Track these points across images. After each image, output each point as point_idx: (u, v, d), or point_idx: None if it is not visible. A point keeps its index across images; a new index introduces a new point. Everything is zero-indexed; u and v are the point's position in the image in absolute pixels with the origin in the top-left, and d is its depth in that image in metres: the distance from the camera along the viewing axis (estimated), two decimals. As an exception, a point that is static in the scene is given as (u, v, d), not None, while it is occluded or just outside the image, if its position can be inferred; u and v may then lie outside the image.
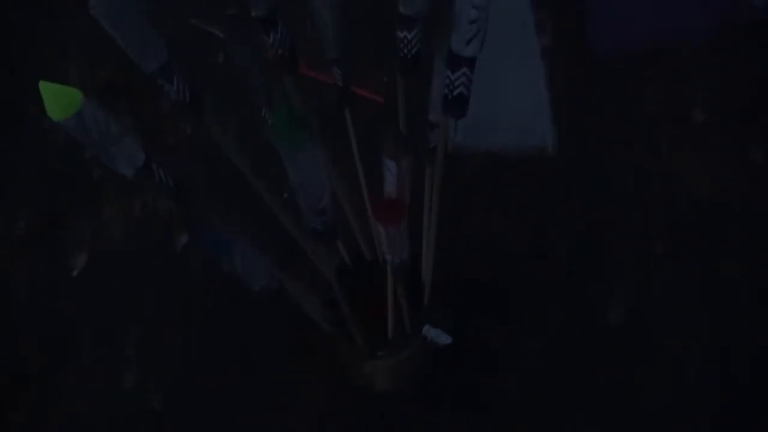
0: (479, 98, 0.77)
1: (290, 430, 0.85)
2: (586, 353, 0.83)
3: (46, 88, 0.36)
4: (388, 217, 0.40)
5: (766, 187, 0.90)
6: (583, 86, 1.05)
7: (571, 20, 1.13)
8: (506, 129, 1.03)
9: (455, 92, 0.46)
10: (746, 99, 0.99)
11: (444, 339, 0.70)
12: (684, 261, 0.87)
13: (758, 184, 0.91)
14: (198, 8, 1.44)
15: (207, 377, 0.90)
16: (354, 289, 0.57)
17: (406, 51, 0.49)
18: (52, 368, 0.97)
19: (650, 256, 0.89)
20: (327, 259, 0.54)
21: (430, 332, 0.70)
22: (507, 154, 1.00)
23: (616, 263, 0.89)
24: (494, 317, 0.85)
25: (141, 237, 1.10)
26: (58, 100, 0.36)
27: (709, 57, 1.05)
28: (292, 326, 0.84)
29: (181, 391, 0.90)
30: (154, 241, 1.08)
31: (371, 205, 0.62)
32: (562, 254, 0.90)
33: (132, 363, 0.95)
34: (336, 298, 0.55)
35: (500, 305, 0.86)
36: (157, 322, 0.98)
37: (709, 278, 0.86)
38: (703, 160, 0.95)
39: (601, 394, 0.81)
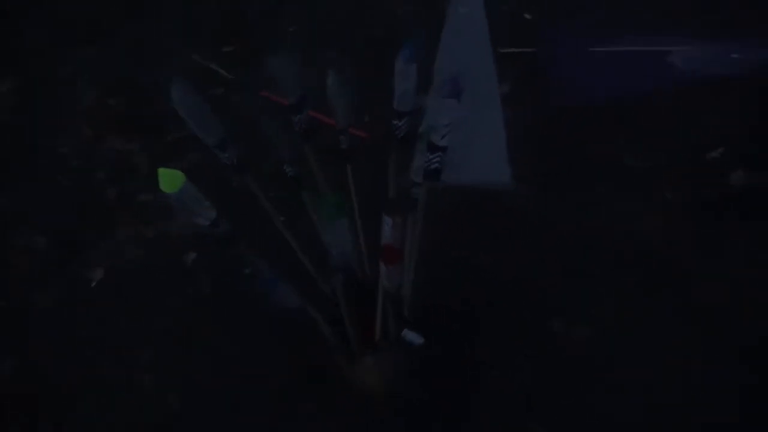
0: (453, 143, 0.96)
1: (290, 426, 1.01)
2: (530, 356, 1.02)
3: (162, 171, 0.53)
4: (389, 260, 0.59)
5: (677, 218, 1.11)
6: (537, 133, 1.25)
7: (530, 76, 1.34)
8: (472, 168, 1.22)
9: (432, 167, 0.64)
10: (665, 149, 1.21)
11: (417, 339, 0.89)
12: (623, 280, 1.06)
13: (670, 216, 1.12)
14: (198, 46, 1.61)
15: (214, 380, 1.06)
16: (353, 306, 0.75)
17: (398, 133, 0.68)
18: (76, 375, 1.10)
19: (591, 282, 1.07)
20: (341, 287, 0.70)
21: (408, 335, 0.89)
22: (473, 188, 1.19)
23: (559, 281, 1.09)
24: (461, 328, 1.04)
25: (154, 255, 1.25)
26: (169, 179, 0.53)
27: (637, 114, 1.26)
28: (299, 344, 1.01)
29: (196, 392, 1.06)
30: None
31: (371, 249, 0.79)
32: (512, 272, 1.09)
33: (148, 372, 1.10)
34: (340, 313, 0.74)
35: (467, 317, 1.05)
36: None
37: (644, 298, 1.04)
38: (628, 195, 1.16)
39: (545, 393, 1.00)
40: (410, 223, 0.73)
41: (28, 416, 1.07)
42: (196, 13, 1.70)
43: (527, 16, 1.47)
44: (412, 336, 0.92)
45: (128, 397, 1.08)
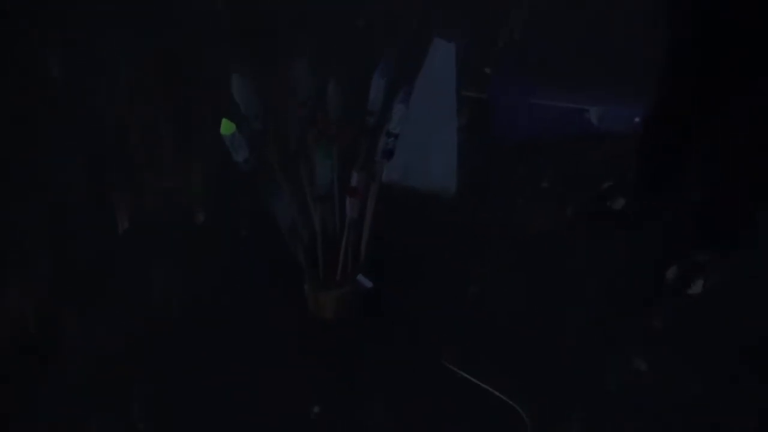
0: (410, 152, 1.33)
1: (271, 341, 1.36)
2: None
3: (224, 120, 0.89)
4: (352, 194, 0.95)
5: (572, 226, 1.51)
6: (482, 154, 1.65)
7: (482, 115, 1.73)
8: (423, 173, 1.60)
9: (388, 148, 1.01)
10: (572, 178, 1.60)
11: (367, 283, 1.25)
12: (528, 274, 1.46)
13: (574, 230, 1.51)
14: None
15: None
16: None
17: (368, 124, 1.05)
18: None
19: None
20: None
21: (361, 278, 1.25)
22: (421, 189, 1.57)
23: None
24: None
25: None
26: (227, 126, 0.89)
27: (559, 150, 1.66)
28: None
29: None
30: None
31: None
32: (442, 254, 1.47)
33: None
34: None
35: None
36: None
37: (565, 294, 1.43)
38: (545, 210, 1.55)
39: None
40: (371, 187, 1.10)
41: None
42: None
43: (487, 70, 1.87)
44: (364, 279, 1.28)
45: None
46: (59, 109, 1.78)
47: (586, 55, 1.82)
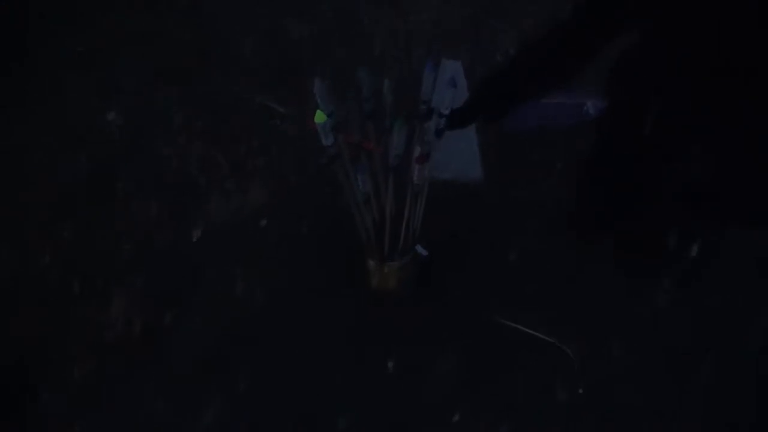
0: (439, 153, 1.56)
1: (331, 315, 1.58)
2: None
3: (318, 111, 1.14)
4: (420, 161, 1.20)
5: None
6: (495, 144, 1.91)
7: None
8: (454, 168, 1.85)
9: (440, 127, 1.27)
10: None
11: (423, 252, 1.49)
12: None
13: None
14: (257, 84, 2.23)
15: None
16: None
17: (423, 109, 1.31)
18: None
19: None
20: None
21: (418, 247, 1.48)
22: (451, 180, 1.82)
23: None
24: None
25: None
26: (319, 116, 1.15)
27: (565, 136, 1.93)
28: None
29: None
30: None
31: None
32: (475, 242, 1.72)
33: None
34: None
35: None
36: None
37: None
38: (563, 185, 1.80)
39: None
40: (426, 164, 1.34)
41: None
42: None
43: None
44: (421, 249, 1.51)
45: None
46: (128, 150, 2.05)
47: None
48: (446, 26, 2.33)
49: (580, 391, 1.49)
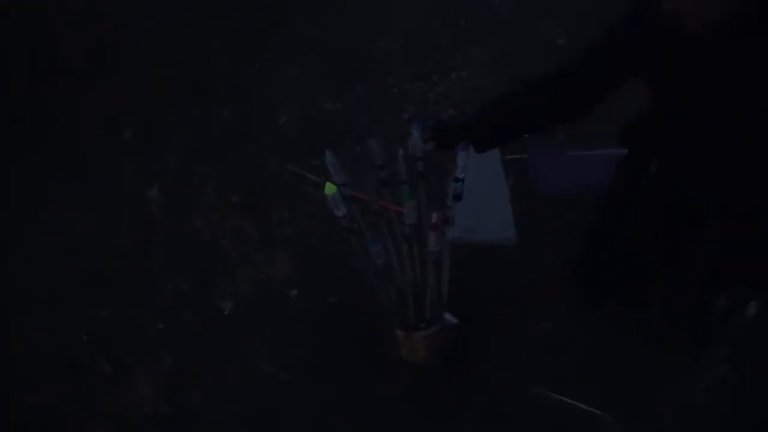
0: (469, 213, 1.51)
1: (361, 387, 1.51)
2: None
3: (328, 183, 1.12)
4: (434, 228, 1.15)
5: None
6: (530, 209, 1.84)
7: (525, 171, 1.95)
8: (488, 230, 1.79)
9: (457, 192, 1.22)
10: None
11: (453, 320, 1.41)
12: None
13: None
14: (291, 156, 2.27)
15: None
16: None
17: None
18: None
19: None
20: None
21: (446, 315, 1.41)
22: (484, 243, 1.75)
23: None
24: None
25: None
26: (330, 187, 1.13)
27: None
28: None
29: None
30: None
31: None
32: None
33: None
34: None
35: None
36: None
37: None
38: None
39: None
40: (446, 231, 1.29)
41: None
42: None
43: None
44: (449, 317, 1.44)
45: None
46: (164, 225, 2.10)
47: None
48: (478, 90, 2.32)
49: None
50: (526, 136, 1.42)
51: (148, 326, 1.79)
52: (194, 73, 2.64)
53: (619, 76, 1.22)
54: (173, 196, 2.21)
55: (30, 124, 2.48)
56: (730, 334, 1.42)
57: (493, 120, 1.35)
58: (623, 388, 1.43)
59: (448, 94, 2.34)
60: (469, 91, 2.31)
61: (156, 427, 1.57)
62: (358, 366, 1.58)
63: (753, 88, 1.06)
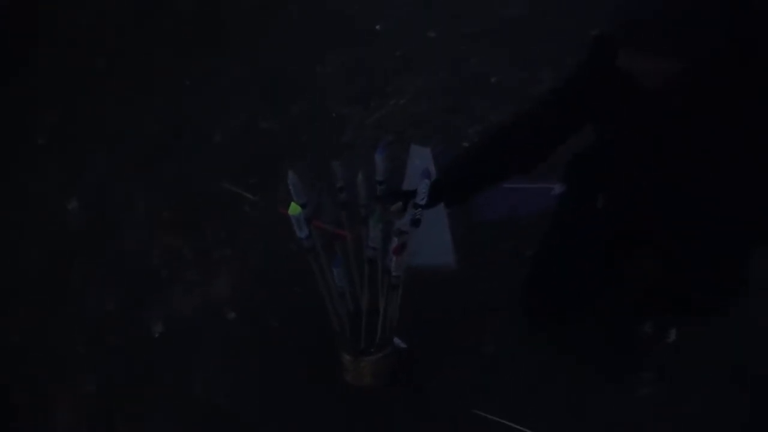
0: (413, 239, 1.52)
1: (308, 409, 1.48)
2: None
3: (292, 204, 1.11)
4: (396, 251, 1.16)
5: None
6: (468, 234, 1.90)
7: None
8: (428, 254, 1.82)
9: (416, 218, 1.24)
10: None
11: (402, 344, 1.42)
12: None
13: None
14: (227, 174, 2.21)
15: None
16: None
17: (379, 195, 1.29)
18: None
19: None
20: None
21: (396, 340, 1.42)
22: (424, 267, 1.78)
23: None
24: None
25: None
26: (294, 208, 1.11)
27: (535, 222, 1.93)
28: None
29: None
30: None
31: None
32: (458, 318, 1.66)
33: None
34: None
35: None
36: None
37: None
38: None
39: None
40: (403, 255, 1.31)
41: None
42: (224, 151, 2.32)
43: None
44: (398, 341, 1.45)
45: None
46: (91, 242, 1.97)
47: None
48: (416, 117, 2.39)
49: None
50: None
51: (68, 348, 1.66)
52: (120, 80, 2.53)
53: (576, 123, 1.29)
54: (96, 210, 2.09)
55: None
56: (654, 359, 1.54)
57: (458, 180, 1.37)
58: (559, 408, 1.49)
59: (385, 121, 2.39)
60: (407, 117, 2.37)
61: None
62: (301, 392, 1.54)
63: (705, 135, 1.14)
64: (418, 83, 2.50)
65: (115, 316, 1.76)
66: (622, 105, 1.20)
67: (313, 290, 1.40)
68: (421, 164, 2.13)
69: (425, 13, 2.77)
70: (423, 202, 1.25)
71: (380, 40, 2.69)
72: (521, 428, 1.43)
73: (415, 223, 1.27)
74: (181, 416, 1.53)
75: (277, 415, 1.51)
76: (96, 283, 1.83)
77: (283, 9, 2.84)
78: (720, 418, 1.45)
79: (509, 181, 1.45)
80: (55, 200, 2.08)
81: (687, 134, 1.16)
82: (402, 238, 1.20)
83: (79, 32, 2.70)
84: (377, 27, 2.76)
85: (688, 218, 1.23)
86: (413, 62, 2.58)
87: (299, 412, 1.51)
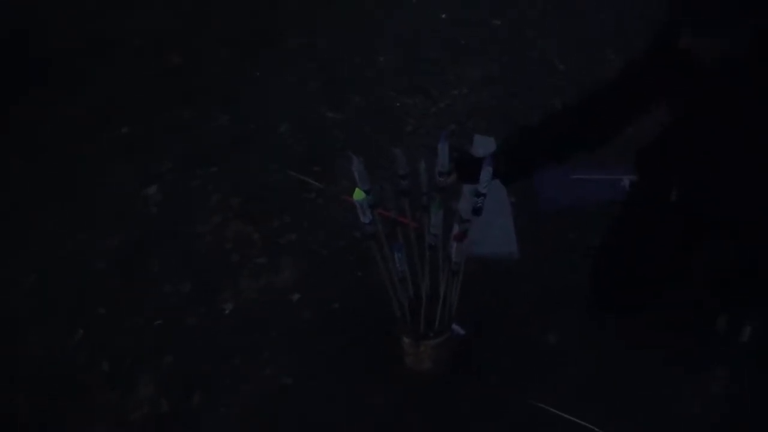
0: (476, 229, 1.54)
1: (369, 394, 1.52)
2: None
3: (357, 189, 1.15)
4: (459, 238, 1.18)
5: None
6: (533, 225, 1.89)
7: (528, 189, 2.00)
8: (491, 244, 1.83)
9: (477, 206, 1.26)
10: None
11: (460, 331, 1.44)
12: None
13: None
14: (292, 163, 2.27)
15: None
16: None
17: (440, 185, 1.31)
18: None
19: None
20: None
21: (454, 326, 1.44)
22: (488, 257, 1.79)
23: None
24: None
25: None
26: (359, 194, 1.15)
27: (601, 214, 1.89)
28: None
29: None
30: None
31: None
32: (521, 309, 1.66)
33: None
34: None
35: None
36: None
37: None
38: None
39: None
40: (464, 242, 1.32)
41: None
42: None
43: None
44: (457, 328, 1.47)
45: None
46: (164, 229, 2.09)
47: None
48: (478, 105, 2.38)
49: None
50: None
51: (146, 328, 1.77)
52: (191, 79, 2.65)
53: (642, 105, 1.28)
54: (172, 199, 2.20)
55: (22, 126, 2.46)
56: (729, 354, 1.49)
57: (519, 154, 1.40)
58: (624, 404, 1.47)
59: (448, 110, 2.39)
60: (469, 107, 2.37)
61: (157, 428, 1.55)
62: (362, 374, 1.59)
63: None
64: (480, 72, 2.50)
65: (191, 298, 1.86)
66: (689, 87, 1.18)
67: (376, 275, 1.45)
68: (485, 153, 2.13)
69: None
70: (485, 191, 1.26)
71: (442, 28, 2.70)
72: (579, 421, 1.42)
73: (477, 211, 1.29)
74: (250, 392, 1.61)
75: (338, 400, 1.56)
76: (173, 268, 1.94)
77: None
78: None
79: (569, 163, 1.45)
80: (134, 191, 2.20)
81: (757, 115, 1.13)
82: (464, 225, 1.22)
83: (152, 33, 2.84)
84: (443, 16, 2.78)
85: (764, 205, 1.19)
86: (475, 50, 2.58)
87: (359, 396, 1.55)
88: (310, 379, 1.61)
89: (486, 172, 1.22)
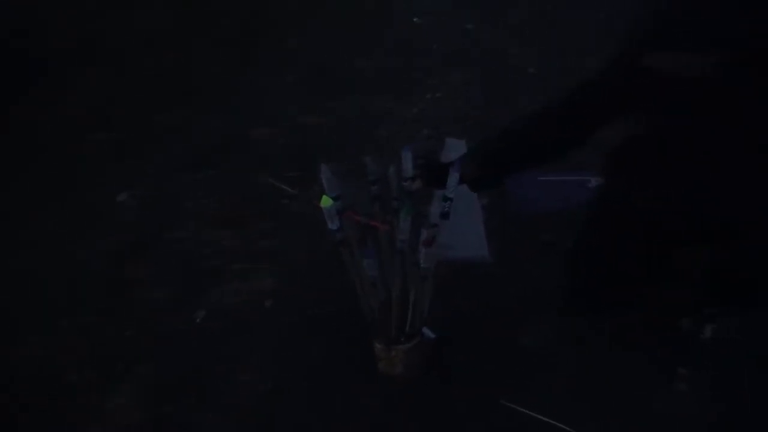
0: (448, 233, 1.56)
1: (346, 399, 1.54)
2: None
3: (324, 196, 1.16)
4: (427, 244, 1.20)
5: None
6: (503, 227, 1.91)
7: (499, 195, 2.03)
8: (461, 247, 1.85)
9: (445, 210, 1.28)
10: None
11: (431, 335, 1.45)
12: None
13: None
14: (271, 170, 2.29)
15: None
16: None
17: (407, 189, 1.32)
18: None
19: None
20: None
21: (425, 330, 1.46)
22: (460, 261, 1.81)
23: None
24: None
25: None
26: (325, 200, 1.16)
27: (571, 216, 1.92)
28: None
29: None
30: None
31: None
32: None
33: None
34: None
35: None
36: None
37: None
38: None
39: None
40: (433, 247, 1.34)
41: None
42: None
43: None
44: (427, 331, 1.49)
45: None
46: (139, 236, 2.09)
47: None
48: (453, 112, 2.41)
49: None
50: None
51: (121, 336, 1.77)
52: (174, 83, 2.64)
53: (610, 114, 1.30)
54: (148, 206, 2.20)
55: (22, 126, 2.44)
56: (690, 354, 1.53)
57: (489, 159, 1.41)
58: (601, 406, 1.48)
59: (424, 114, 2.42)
60: (445, 111, 2.40)
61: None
62: (335, 379, 1.59)
63: (737, 124, 1.16)
64: (455, 77, 2.53)
65: (169, 305, 1.86)
66: (653, 98, 1.21)
67: (350, 281, 1.47)
68: (456, 157, 2.16)
69: (463, 6, 2.80)
70: (452, 195, 1.28)
71: (418, 34, 2.74)
72: (551, 421, 1.44)
73: (444, 215, 1.31)
74: (227, 399, 1.61)
75: (312, 404, 1.56)
76: (149, 276, 1.94)
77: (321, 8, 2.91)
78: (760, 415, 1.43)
79: (540, 170, 1.47)
80: (110, 196, 2.20)
81: (720, 124, 1.16)
82: (432, 230, 1.24)
83: (135, 36, 2.84)
84: (415, 20, 2.82)
85: (726, 209, 1.22)
86: (450, 56, 2.62)
87: (332, 400, 1.55)
88: (286, 382, 1.62)
89: (453, 177, 1.24)
